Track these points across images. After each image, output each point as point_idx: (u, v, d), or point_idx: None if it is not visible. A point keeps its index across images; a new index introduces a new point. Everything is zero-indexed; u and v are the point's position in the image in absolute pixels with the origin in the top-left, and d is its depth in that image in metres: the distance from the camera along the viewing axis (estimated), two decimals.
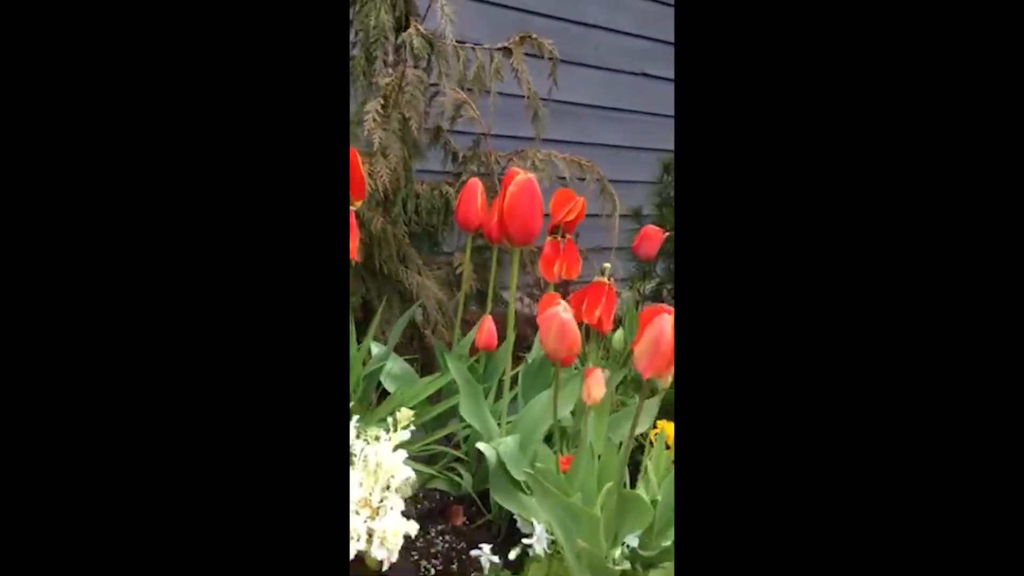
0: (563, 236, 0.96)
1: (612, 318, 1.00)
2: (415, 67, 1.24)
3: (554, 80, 1.55)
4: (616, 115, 2.50)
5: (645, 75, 2.58)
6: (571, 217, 0.93)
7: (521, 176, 0.75)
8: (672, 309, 0.58)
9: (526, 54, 1.44)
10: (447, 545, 0.94)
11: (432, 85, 1.34)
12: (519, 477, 0.77)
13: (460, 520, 0.99)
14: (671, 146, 1.96)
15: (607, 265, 1.01)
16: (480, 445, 0.82)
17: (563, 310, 0.62)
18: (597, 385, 0.67)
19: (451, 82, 1.26)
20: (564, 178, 1.34)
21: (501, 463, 0.80)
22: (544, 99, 2.43)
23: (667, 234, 1.24)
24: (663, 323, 0.57)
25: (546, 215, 1.61)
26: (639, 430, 0.94)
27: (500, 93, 1.43)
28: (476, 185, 0.87)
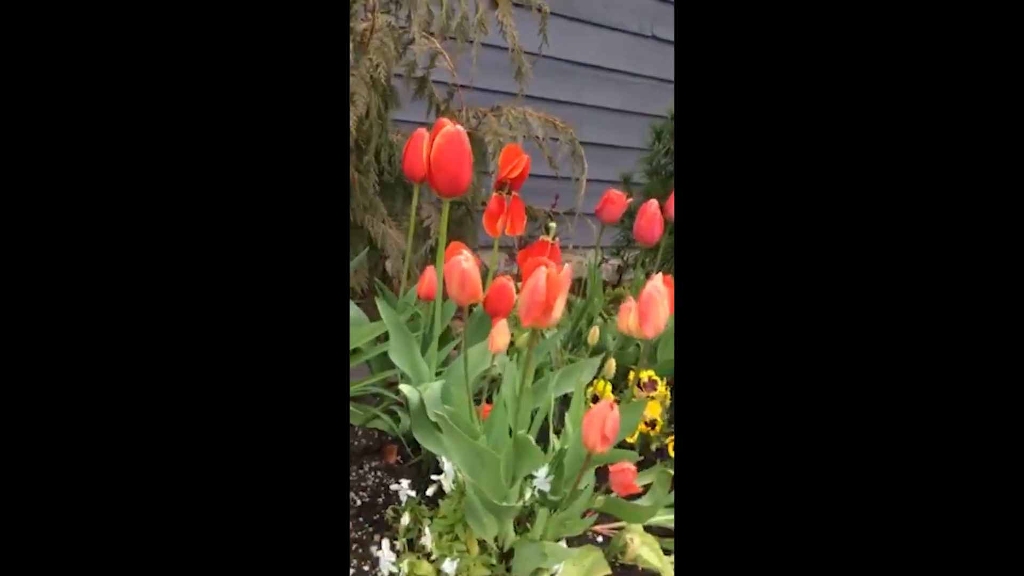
0: (509, 193, 0.97)
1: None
2: (389, 13, 1.24)
3: (543, 35, 1.53)
4: (618, 77, 2.46)
5: (655, 38, 2.53)
6: (515, 174, 0.94)
7: (448, 127, 0.76)
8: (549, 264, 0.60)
9: (516, 4, 1.43)
10: (377, 480, 0.98)
11: (405, 31, 1.34)
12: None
13: (393, 458, 1.03)
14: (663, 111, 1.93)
15: (552, 224, 1.02)
16: (404, 387, 0.85)
17: (464, 260, 0.63)
18: (500, 334, 0.69)
19: (421, 29, 1.26)
20: (538, 137, 1.34)
21: (422, 405, 0.84)
22: (540, 55, 2.40)
23: (629, 200, 1.23)
24: (539, 275, 0.59)
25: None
26: (567, 388, 0.97)
27: (493, 46, 1.42)
28: (421, 135, 0.88)
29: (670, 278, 0.71)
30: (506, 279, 0.80)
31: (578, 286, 1.69)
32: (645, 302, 0.70)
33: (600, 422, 0.61)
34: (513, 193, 0.98)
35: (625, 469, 0.69)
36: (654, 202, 1.19)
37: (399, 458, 1.03)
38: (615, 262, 2.00)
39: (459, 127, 0.77)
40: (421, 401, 0.84)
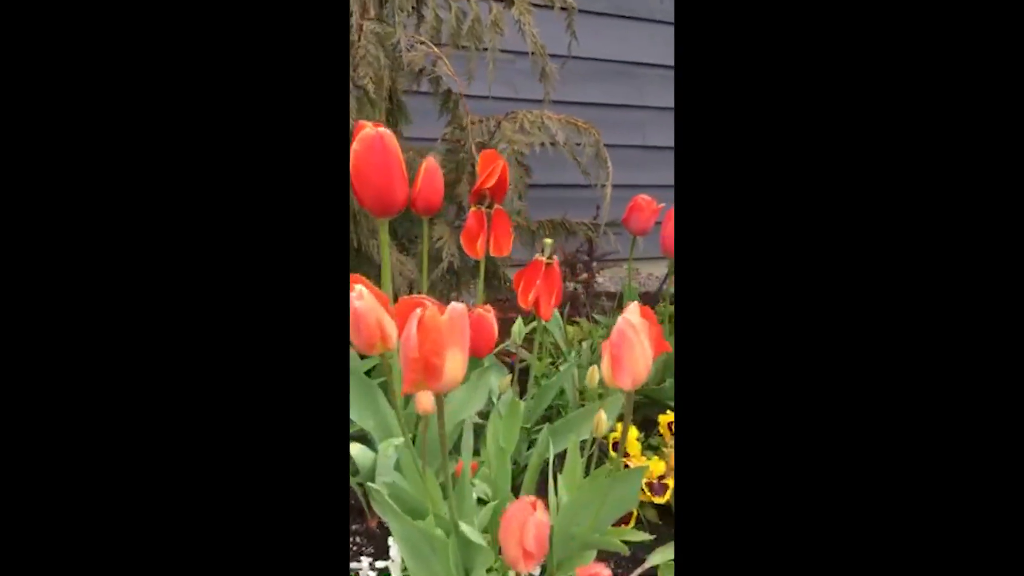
0: (489, 206, 0.80)
1: (555, 303, 0.83)
2: (383, 21, 1.11)
3: (572, 33, 1.35)
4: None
5: None
6: (491, 183, 0.77)
7: (368, 130, 0.60)
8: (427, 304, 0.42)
9: (535, 5, 1.27)
10: (354, 549, 0.83)
11: (420, 42, 1.21)
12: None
13: (375, 522, 0.88)
14: None
15: (548, 241, 0.84)
16: (354, 449, 0.70)
17: (356, 297, 0.47)
18: (424, 398, 0.52)
19: (428, 37, 1.12)
20: (555, 143, 1.16)
21: (372, 471, 0.68)
22: (573, 56, 2.21)
23: (662, 206, 1.02)
24: (411, 322, 0.41)
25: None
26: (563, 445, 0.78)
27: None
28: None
29: (648, 309, 0.51)
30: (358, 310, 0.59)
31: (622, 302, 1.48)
32: (616, 343, 0.50)
33: (518, 531, 0.42)
34: (496, 206, 0.81)
35: (596, 575, 0.50)
36: (642, 196, 0.97)
37: (382, 521, 0.88)
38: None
39: (382, 129, 0.61)
40: (373, 464, 0.69)
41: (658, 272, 2.19)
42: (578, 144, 1.19)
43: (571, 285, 1.49)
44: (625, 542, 0.79)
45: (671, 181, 1.82)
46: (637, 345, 0.50)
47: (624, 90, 2.18)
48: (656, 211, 1.01)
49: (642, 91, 2.22)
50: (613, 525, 0.71)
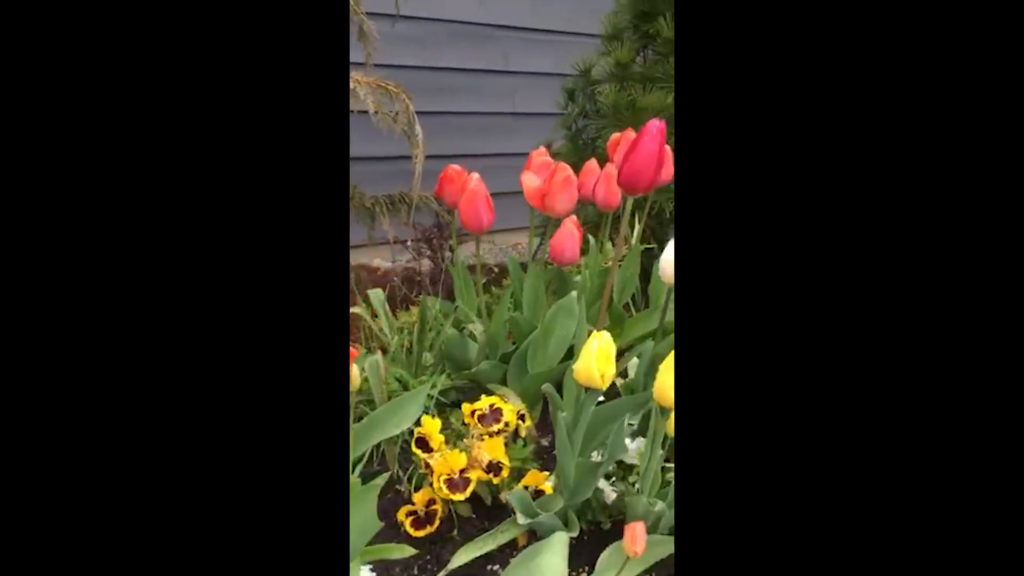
0: None
1: None
2: None
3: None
4: (543, 37, 2.15)
5: None
6: None
7: None
8: None
9: None
10: None
11: None
12: None
13: None
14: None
15: None
16: None
17: None
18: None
19: None
20: (365, 112, 1.05)
21: None
22: (456, 21, 2.08)
23: (474, 175, 0.94)
24: None
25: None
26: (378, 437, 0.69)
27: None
28: None
29: None
30: None
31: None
32: None
33: None
34: None
35: None
36: (453, 167, 0.90)
37: None
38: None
39: None
40: None
41: (516, 239, 2.14)
42: (393, 112, 1.08)
43: (425, 262, 1.40)
44: (429, 540, 0.72)
45: (556, 142, 1.72)
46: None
47: (488, 55, 2.08)
48: (465, 183, 0.93)
49: (507, 56, 2.12)
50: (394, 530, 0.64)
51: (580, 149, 1.64)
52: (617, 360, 1.12)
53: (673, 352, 0.62)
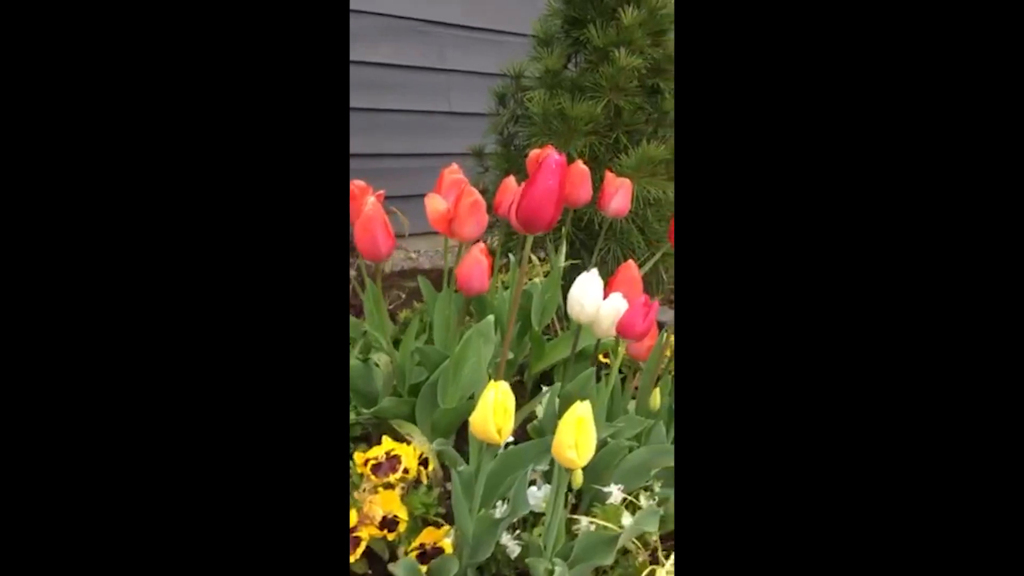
0: None
1: None
2: None
3: None
4: (482, 36, 2.07)
5: None
6: None
7: None
8: None
9: None
10: None
11: None
12: None
13: None
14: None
15: None
16: None
17: None
18: None
19: None
20: None
21: None
22: (390, 15, 1.97)
23: (377, 193, 0.86)
24: None
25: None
26: None
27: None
28: None
29: None
30: None
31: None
32: None
33: None
34: None
35: None
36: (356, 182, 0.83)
37: None
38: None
39: None
40: None
41: (424, 246, 2.06)
42: None
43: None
44: None
45: (488, 146, 1.63)
46: None
47: (422, 51, 1.99)
48: (366, 191, 0.85)
49: (442, 53, 2.03)
50: None
51: (512, 155, 1.58)
52: (536, 387, 1.07)
53: (576, 405, 0.56)
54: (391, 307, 1.39)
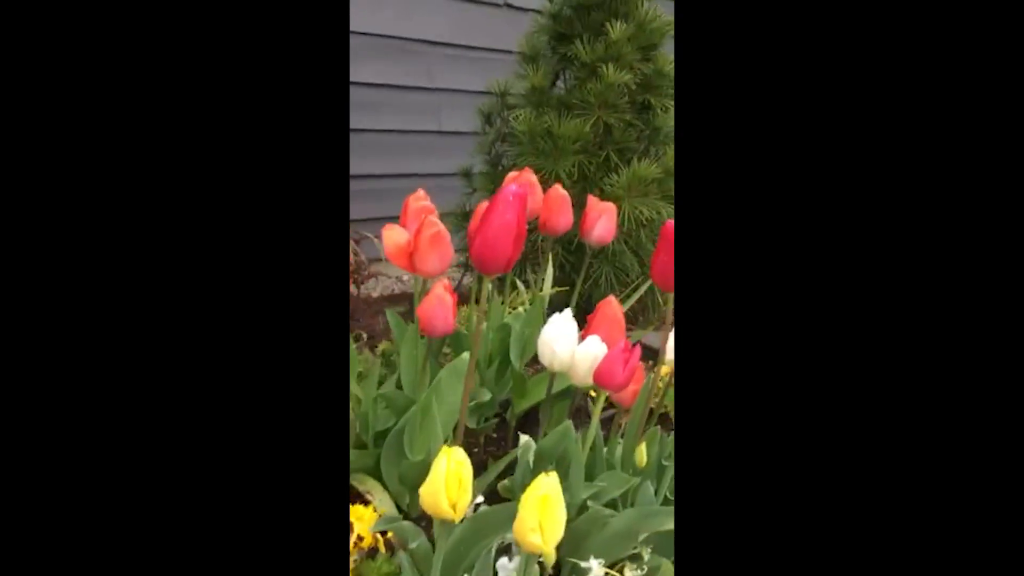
0: None
1: None
2: None
3: None
4: (472, 55, 2.01)
5: (508, 6, 2.08)
6: None
7: None
8: None
9: None
10: None
11: None
12: None
13: None
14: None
15: None
16: None
17: None
18: None
19: None
20: None
21: None
22: (376, 35, 1.91)
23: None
24: None
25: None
26: None
27: None
28: None
29: None
30: None
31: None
32: None
33: None
34: None
35: None
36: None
37: None
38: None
39: None
40: None
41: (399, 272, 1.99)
42: None
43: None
44: None
45: (476, 166, 1.56)
46: None
47: (410, 71, 1.93)
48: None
49: (431, 72, 1.97)
50: None
51: (499, 176, 1.50)
52: (521, 425, 0.99)
53: (541, 479, 0.48)
54: (373, 336, 1.31)
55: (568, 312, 0.62)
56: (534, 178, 0.89)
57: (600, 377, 0.59)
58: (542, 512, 0.46)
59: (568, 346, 0.60)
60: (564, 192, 0.86)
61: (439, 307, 0.66)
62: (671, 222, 0.58)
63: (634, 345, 0.61)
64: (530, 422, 1.05)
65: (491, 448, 0.99)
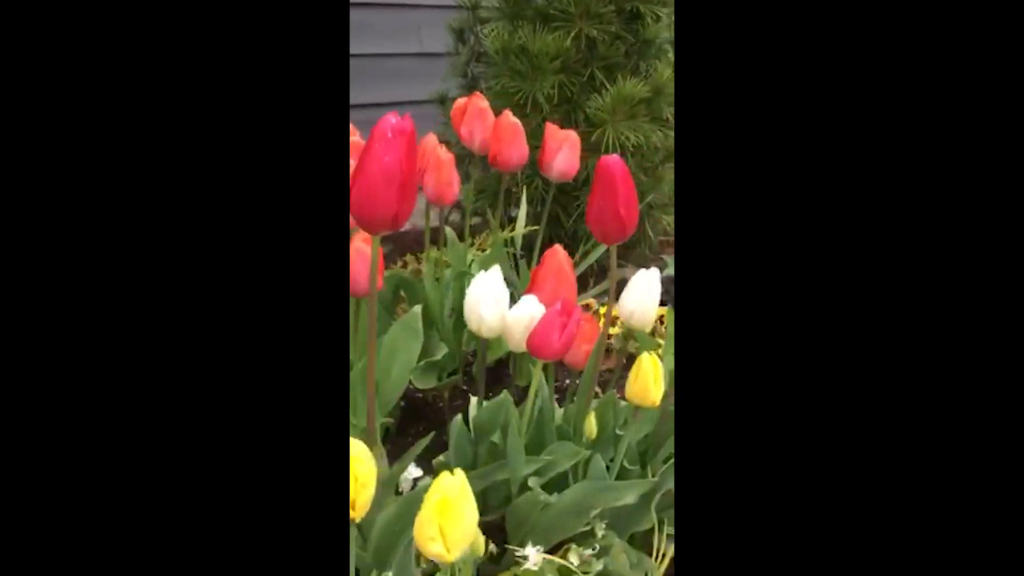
0: None
1: None
2: None
3: None
4: None
5: None
6: None
7: None
8: None
9: None
10: None
11: None
12: None
13: None
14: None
15: None
16: None
17: None
18: None
19: None
20: None
21: None
22: None
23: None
24: None
25: None
26: None
27: None
28: None
29: None
30: None
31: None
32: None
33: None
34: None
35: None
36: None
37: None
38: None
39: None
40: None
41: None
42: None
43: None
44: None
45: (452, 91, 1.42)
46: None
47: None
48: None
49: None
50: None
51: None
52: (493, 380, 0.91)
53: (442, 478, 0.40)
54: None
55: (496, 269, 0.52)
56: (484, 103, 0.77)
57: (533, 344, 0.50)
58: (442, 517, 0.38)
59: (497, 309, 0.51)
60: (513, 119, 0.74)
61: (359, 261, 0.57)
62: (608, 158, 0.46)
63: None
64: (504, 374, 0.98)
65: (458, 403, 0.92)
